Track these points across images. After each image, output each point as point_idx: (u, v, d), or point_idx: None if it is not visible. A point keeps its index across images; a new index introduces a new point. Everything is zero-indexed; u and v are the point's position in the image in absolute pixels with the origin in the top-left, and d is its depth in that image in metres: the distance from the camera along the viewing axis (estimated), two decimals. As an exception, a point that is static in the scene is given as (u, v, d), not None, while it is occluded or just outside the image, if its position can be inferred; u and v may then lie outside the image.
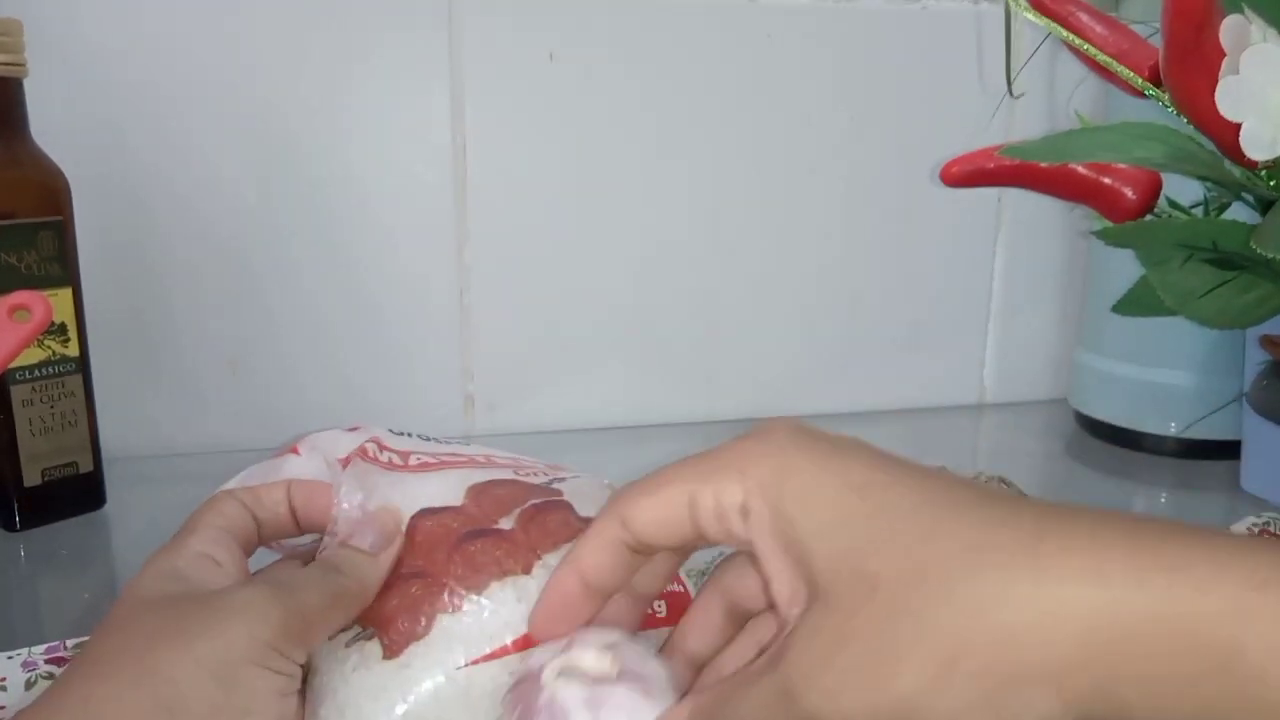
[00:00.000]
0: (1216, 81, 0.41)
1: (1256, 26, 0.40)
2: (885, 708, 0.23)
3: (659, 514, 0.28)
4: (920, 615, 0.23)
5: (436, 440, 0.40)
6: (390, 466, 0.37)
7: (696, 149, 0.72)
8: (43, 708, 0.27)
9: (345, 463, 0.36)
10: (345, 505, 0.34)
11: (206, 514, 0.33)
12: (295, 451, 0.37)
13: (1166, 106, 0.46)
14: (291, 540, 0.36)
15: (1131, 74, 0.47)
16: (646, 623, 0.35)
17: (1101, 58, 0.48)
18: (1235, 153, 0.43)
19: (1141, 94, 0.48)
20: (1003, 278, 0.81)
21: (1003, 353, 0.82)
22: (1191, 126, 0.45)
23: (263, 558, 0.35)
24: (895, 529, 0.24)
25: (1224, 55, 0.41)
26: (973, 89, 0.75)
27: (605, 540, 0.29)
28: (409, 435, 0.39)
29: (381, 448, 0.38)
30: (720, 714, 0.26)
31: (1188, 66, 0.42)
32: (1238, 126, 0.41)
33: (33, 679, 0.40)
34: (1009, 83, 0.54)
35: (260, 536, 0.35)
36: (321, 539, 0.35)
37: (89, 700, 0.27)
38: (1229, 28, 0.41)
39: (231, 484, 0.35)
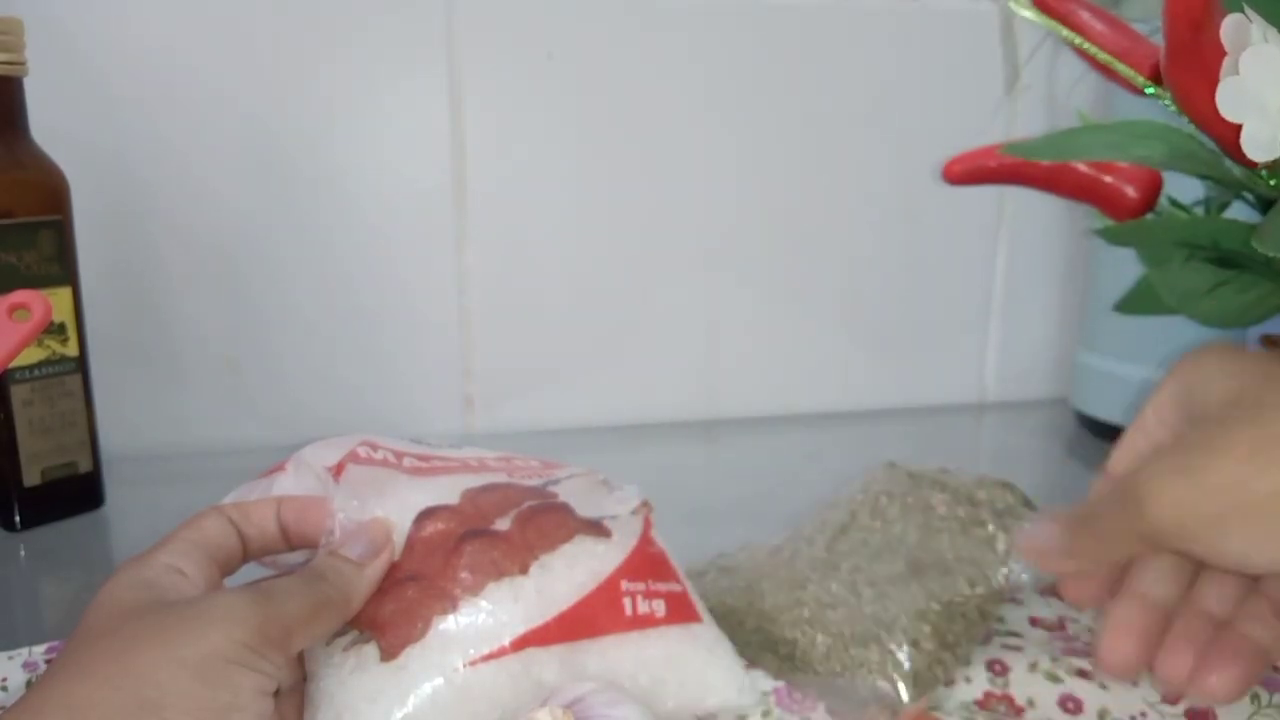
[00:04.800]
0: (1217, 81, 0.41)
1: (1257, 26, 0.40)
2: (1207, 488, 0.28)
3: (1125, 446, 0.35)
4: (1246, 418, 0.29)
5: (427, 444, 0.40)
6: (385, 464, 0.37)
7: (695, 149, 0.72)
8: (23, 710, 0.27)
9: (338, 470, 0.36)
10: (341, 516, 0.34)
11: (183, 528, 0.34)
12: (282, 470, 0.37)
13: (1167, 105, 0.46)
14: (285, 558, 0.37)
15: (1132, 72, 0.47)
16: (646, 623, 0.35)
17: (1103, 56, 0.48)
18: (1236, 152, 0.43)
19: (1142, 92, 0.48)
20: (1004, 277, 0.80)
21: (1004, 352, 0.82)
22: (1192, 125, 0.44)
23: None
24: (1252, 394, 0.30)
25: (1224, 55, 0.41)
26: (973, 88, 0.75)
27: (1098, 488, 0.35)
28: (399, 439, 0.40)
29: (375, 447, 0.38)
30: (1080, 517, 0.32)
31: (1188, 66, 0.42)
32: (1238, 127, 0.41)
33: (34, 679, 0.40)
34: (1016, 75, 0.54)
35: (247, 552, 0.35)
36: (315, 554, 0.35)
37: (71, 702, 0.27)
38: (1229, 27, 0.41)
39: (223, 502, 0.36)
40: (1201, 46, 0.41)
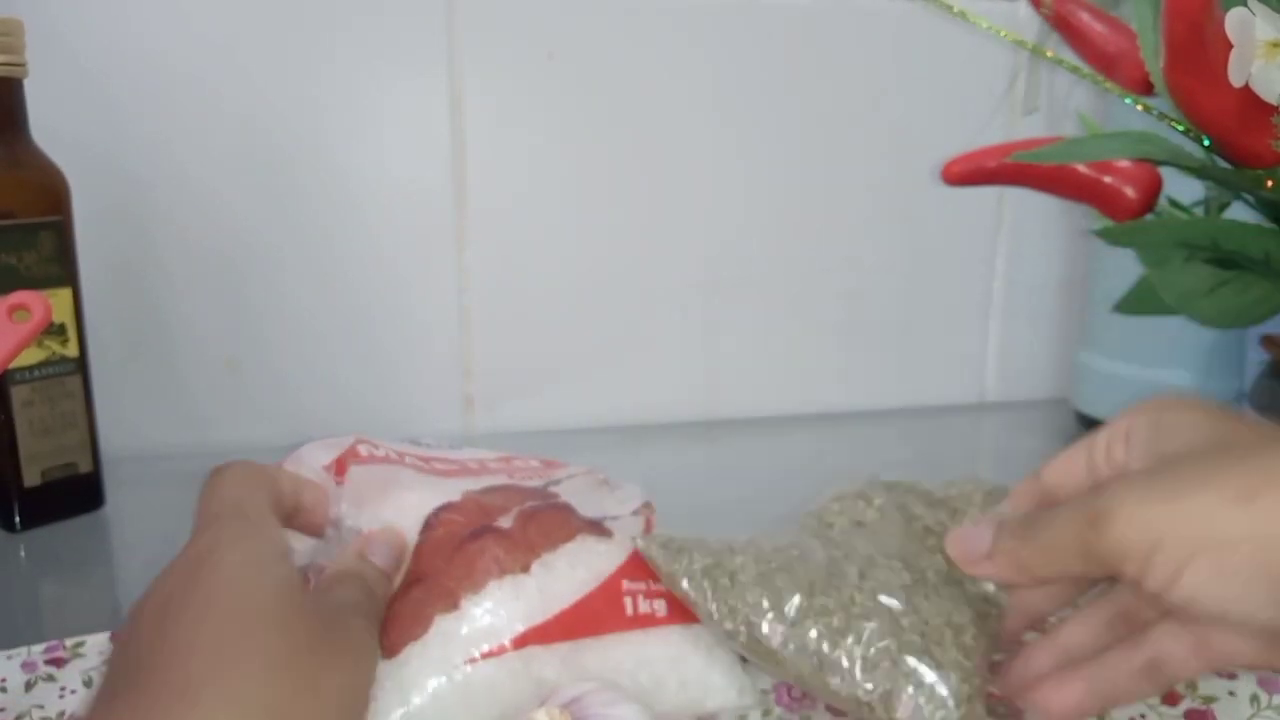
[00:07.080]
0: (1218, 82, 0.41)
1: (1261, 18, 0.40)
2: (1185, 516, 0.28)
3: (1064, 460, 0.37)
4: (1236, 459, 0.28)
5: (426, 445, 0.40)
6: (388, 460, 0.37)
7: (696, 149, 0.72)
8: None
9: (336, 469, 0.36)
10: (345, 506, 0.34)
11: (283, 476, 0.35)
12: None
13: (1155, 115, 0.46)
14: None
15: (1120, 89, 0.48)
16: (647, 622, 0.35)
17: (1086, 71, 0.48)
18: (1236, 154, 0.43)
19: (1145, 92, 0.48)
20: (1003, 277, 0.80)
21: (1003, 352, 0.82)
22: (1185, 133, 0.44)
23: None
24: (1238, 440, 0.30)
25: (1224, 56, 0.41)
26: (973, 88, 0.75)
27: (1022, 491, 0.38)
28: (397, 441, 0.40)
29: (375, 445, 0.38)
30: (1026, 525, 0.33)
31: (1188, 68, 0.42)
32: (1240, 128, 0.41)
33: (33, 680, 0.40)
34: (1033, 102, 0.54)
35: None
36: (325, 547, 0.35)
37: None
38: (1234, 21, 0.41)
39: None
40: (1202, 48, 0.41)
